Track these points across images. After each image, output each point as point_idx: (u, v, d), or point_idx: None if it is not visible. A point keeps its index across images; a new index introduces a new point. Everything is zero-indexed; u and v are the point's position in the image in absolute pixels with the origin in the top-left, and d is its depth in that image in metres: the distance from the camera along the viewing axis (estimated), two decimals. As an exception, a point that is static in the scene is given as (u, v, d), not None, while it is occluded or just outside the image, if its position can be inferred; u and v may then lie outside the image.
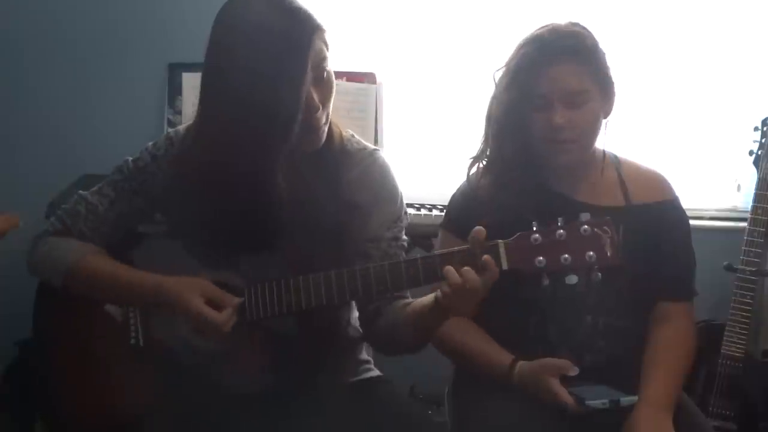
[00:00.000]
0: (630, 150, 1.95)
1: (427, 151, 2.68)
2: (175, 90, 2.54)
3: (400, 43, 2.65)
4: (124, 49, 2.57)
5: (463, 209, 1.78)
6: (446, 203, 1.90)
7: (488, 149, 1.76)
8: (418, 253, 1.50)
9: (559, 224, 1.36)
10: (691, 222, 1.84)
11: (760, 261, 2.34)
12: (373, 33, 2.65)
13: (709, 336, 2.34)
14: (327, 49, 1.48)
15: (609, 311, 1.71)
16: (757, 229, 2.34)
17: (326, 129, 1.52)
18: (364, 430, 1.54)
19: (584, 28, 1.71)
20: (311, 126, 1.48)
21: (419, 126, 2.69)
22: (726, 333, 2.34)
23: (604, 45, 1.70)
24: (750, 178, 2.47)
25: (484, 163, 1.78)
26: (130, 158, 1.63)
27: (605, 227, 1.35)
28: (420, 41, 2.66)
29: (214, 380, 1.54)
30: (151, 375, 1.55)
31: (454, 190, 1.85)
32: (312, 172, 1.53)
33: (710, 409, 2.32)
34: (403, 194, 1.63)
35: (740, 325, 2.32)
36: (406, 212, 1.64)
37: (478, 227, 1.37)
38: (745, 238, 2.35)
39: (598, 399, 1.54)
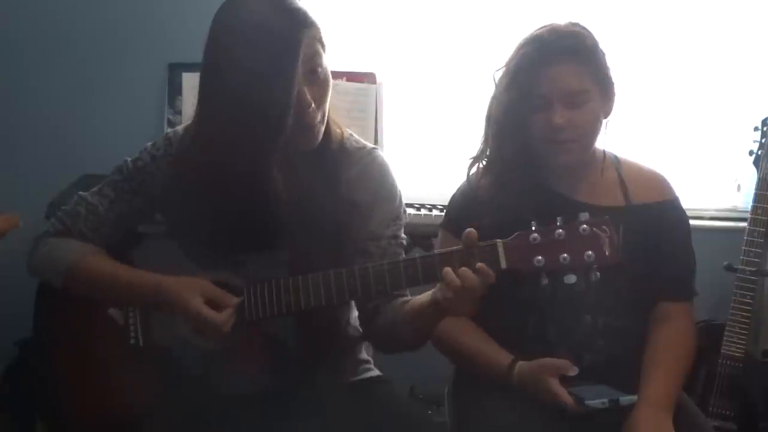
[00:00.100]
0: (630, 150, 1.96)
1: (427, 151, 2.69)
2: (175, 90, 2.54)
3: (400, 43, 2.65)
4: (124, 49, 2.58)
5: (463, 209, 1.78)
6: (446, 203, 1.90)
7: (488, 149, 1.76)
8: (417, 253, 1.50)
9: (558, 224, 1.36)
10: (691, 222, 1.84)
11: (760, 261, 2.34)
12: (373, 33, 2.65)
13: (709, 336, 2.34)
14: (322, 47, 1.48)
15: (608, 311, 1.71)
16: (757, 229, 2.34)
17: (322, 128, 1.52)
18: (364, 430, 1.54)
19: (584, 28, 1.70)
20: (305, 124, 1.47)
21: (419, 126, 2.69)
22: (726, 333, 2.34)
23: (604, 45, 1.70)
24: (750, 178, 2.47)
25: (484, 163, 1.78)
26: (129, 159, 1.64)
27: (604, 227, 1.35)
28: (420, 41, 2.66)
29: (214, 380, 1.54)
30: (150, 375, 1.56)
31: (454, 190, 1.85)
32: (311, 171, 1.53)
33: (710, 409, 2.32)
34: (401, 193, 1.63)
35: (740, 325, 2.32)
36: (405, 210, 1.64)
37: (468, 229, 1.38)
38: (745, 238, 2.35)
39: (597, 399, 1.54)
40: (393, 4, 2.65)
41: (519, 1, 2.61)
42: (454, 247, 1.39)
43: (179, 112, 2.52)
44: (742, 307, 2.33)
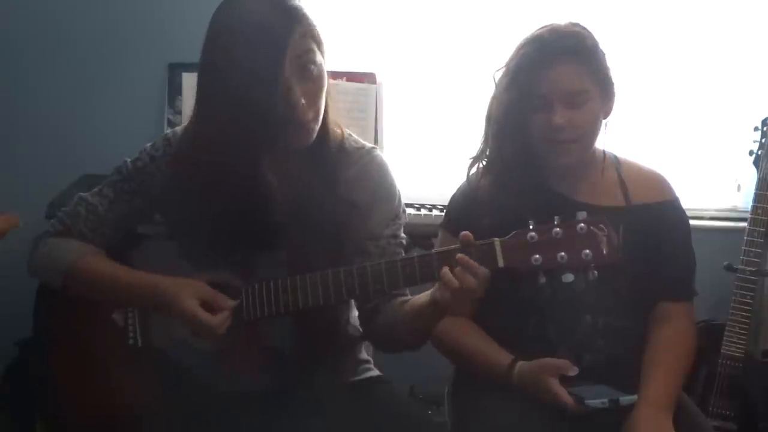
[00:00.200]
0: (630, 150, 1.95)
1: (427, 151, 2.69)
2: (175, 90, 2.54)
3: (400, 43, 2.66)
4: (124, 49, 2.58)
5: (463, 209, 1.78)
6: (446, 203, 1.90)
7: (488, 149, 1.76)
8: (416, 253, 1.50)
9: (555, 223, 1.36)
10: (691, 222, 1.84)
11: (760, 261, 2.35)
12: (373, 33, 2.65)
13: (709, 336, 2.34)
14: (317, 45, 1.46)
15: (608, 311, 1.71)
16: (757, 229, 2.34)
17: (315, 126, 1.50)
18: (364, 430, 1.54)
19: (584, 28, 1.70)
20: (297, 121, 1.46)
21: (419, 126, 2.69)
22: (726, 333, 2.34)
23: (604, 45, 1.70)
24: (750, 178, 2.47)
25: (484, 163, 1.78)
26: (129, 160, 1.64)
27: (601, 225, 1.35)
28: (420, 41, 2.66)
29: (213, 380, 1.54)
30: (149, 375, 1.55)
31: (454, 190, 1.85)
32: (309, 170, 1.53)
33: (710, 409, 2.32)
34: (401, 192, 1.63)
35: (740, 325, 2.33)
36: (404, 210, 1.63)
37: (464, 232, 1.38)
38: (745, 238, 2.36)
39: (597, 398, 1.54)
40: (393, 4, 2.65)
41: (519, 1, 2.61)
42: (452, 246, 1.39)
43: (179, 112, 2.53)
44: (742, 307, 2.33)
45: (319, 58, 1.47)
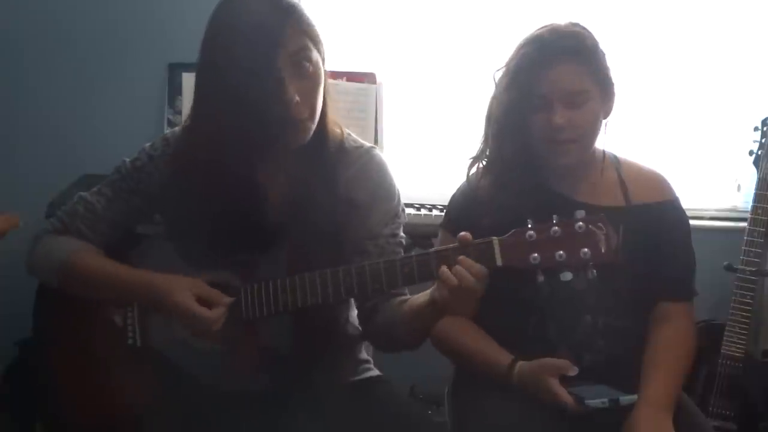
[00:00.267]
0: (630, 150, 1.95)
1: (427, 151, 2.69)
2: (175, 90, 2.54)
3: (400, 43, 2.66)
4: (124, 49, 2.58)
5: (463, 209, 1.78)
6: (446, 203, 1.90)
7: (488, 149, 1.76)
8: (415, 252, 1.50)
9: (554, 221, 1.36)
10: (691, 222, 1.84)
11: (760, 261, 2.35)
12: (373, 33, 2.65)
13: (709, 336, 2.34)
14: (313, 42, 1.46)
15: (608, 311, 1.71)
16: (757, 229, 2.35)
17: (311, 124, 1.49)
18: (364, 430, 1.54)
19: (584, 28, 1.70)
20: (290, 118, 1.45)
21: (419, 126, 2.69)
22: (726, 333, 2.34)
23: (604, 45, 1.70)
24: (750, 178, 2.47)
25: (484, 163, 1.78)
26: (128, 159, 1.64)
27: (600, 224, 1.35)
28: (420, 41, 2.66)
29: (213, 380, 1.54)
30: (149, 375, 1.55)
31: (454, 190, 1.85)
32: (309, 170, 1.53)
33: (710, 409, 2.32)
34: (400, 191, 1.63)
35: (740, 325, 2.33)
36: (403, 209, 1.63)
37: (462, 233, 1.38)
38: (745, 238, 2.36)
39: (597, 398, 1.54)
40: (393, 4, 2.65)
41: (519, 1, 2.61)
42: (450, 245, 1.39)
43: (179, 112, 2.53)
44: (742, 307, 2.33)
45: (314, 55, 1.46)
